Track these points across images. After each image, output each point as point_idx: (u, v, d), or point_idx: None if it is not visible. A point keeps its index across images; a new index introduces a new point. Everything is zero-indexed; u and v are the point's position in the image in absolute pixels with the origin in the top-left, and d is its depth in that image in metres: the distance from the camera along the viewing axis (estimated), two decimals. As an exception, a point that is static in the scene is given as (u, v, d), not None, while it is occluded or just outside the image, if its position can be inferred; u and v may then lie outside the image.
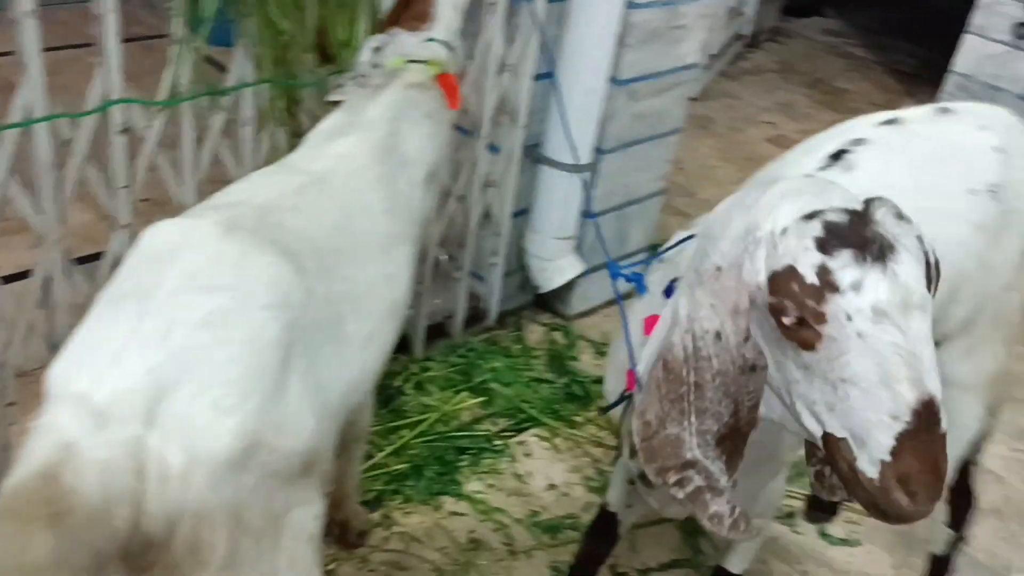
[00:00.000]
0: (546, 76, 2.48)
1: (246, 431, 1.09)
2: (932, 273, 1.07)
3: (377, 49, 1.71)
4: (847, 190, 1.12)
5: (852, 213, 1.04)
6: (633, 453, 1.43)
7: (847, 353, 1.01)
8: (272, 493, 1.16)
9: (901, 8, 6.66)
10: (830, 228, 1.03)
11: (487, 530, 2.16)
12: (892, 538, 2.28)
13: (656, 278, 1.43)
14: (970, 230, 1.61)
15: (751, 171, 4.73)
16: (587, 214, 2.72)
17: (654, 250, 3.11)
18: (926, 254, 1.06)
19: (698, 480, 1.18)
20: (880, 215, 1.04)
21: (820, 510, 2.34)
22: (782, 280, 1.04)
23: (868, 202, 1.07)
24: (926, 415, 0.99)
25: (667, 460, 1.18)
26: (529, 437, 2.44)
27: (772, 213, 1.07)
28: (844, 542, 2.29)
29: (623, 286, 1.54)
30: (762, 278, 1.06)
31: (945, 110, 1.69)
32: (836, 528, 2.33)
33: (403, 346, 2.50)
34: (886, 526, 2.24)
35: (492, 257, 2.67)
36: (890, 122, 1.63)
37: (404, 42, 1.72)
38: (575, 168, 2.57)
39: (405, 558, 2.06)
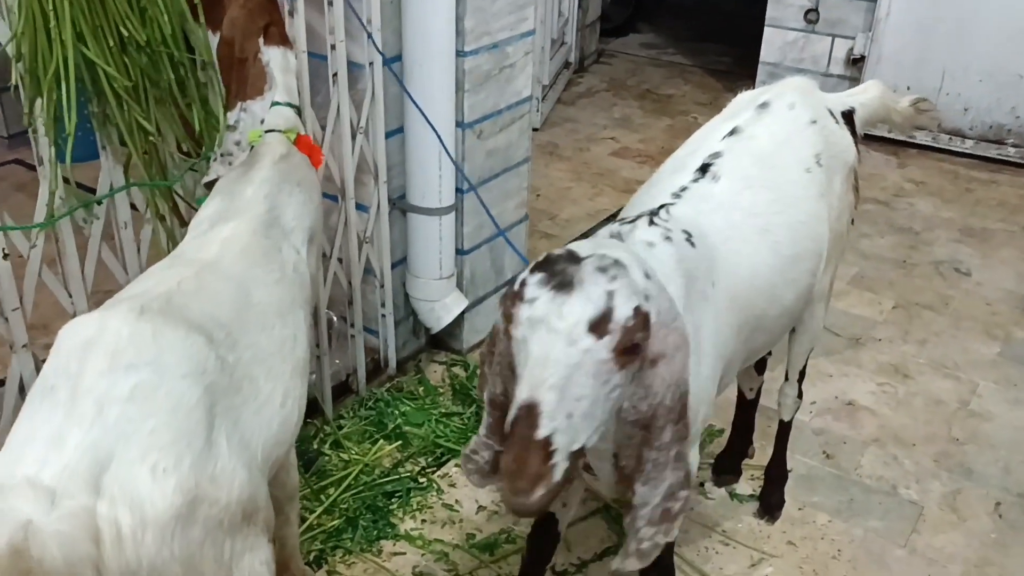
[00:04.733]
0: (397, 132, 2.64)
1: (185, 488, 1.22)
2: (612, 324, 1.22)
3: (232, 127, 1.82)
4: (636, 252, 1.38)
5: (568, 254, 1.28)
6: None
7: (518, 353, 1.25)
8: (220, 543, 1.29)
9: (704, 15, 7.19)
10: (546, 258, 1.28)
11: (430, 562, 2.27)
12: (791, 484, 2.50)
13: None
14: (816, 202, 1.93)
15: (603, 186, 5.00)
16: (460, 251, 2.89)
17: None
18: (610, 308, 1.23)
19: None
20: (587, 262, 1.26)
21: (726, 472, 2.55)
22: (509, 289, 1.29)
23: (590, 253, 1.28)
24: (526, 415, 1.19)
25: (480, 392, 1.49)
26: (451, 469, 2.57)
27: None
28: (752, 498, 2.50)
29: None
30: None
31: (763, 105, 1.96)
32: (743, 487, 2.54)
33: (314, 410, 2.59)
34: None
35: (381, 309, 2.80)
36: (732, 133, 1.89)
37: (255, 113, 1.84)
38: (440, 211, 2.74)
39: (357, 606, 2.15)
